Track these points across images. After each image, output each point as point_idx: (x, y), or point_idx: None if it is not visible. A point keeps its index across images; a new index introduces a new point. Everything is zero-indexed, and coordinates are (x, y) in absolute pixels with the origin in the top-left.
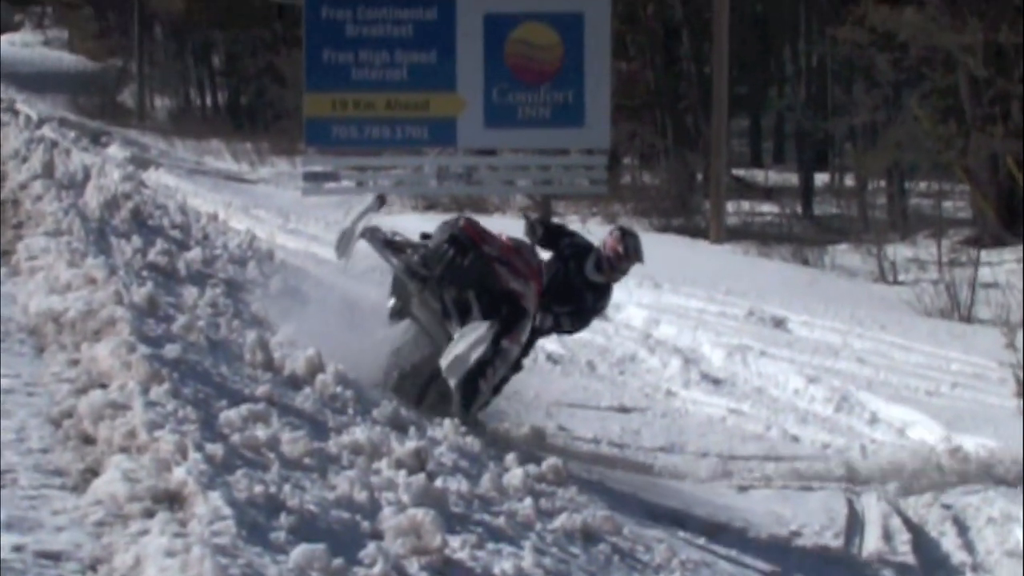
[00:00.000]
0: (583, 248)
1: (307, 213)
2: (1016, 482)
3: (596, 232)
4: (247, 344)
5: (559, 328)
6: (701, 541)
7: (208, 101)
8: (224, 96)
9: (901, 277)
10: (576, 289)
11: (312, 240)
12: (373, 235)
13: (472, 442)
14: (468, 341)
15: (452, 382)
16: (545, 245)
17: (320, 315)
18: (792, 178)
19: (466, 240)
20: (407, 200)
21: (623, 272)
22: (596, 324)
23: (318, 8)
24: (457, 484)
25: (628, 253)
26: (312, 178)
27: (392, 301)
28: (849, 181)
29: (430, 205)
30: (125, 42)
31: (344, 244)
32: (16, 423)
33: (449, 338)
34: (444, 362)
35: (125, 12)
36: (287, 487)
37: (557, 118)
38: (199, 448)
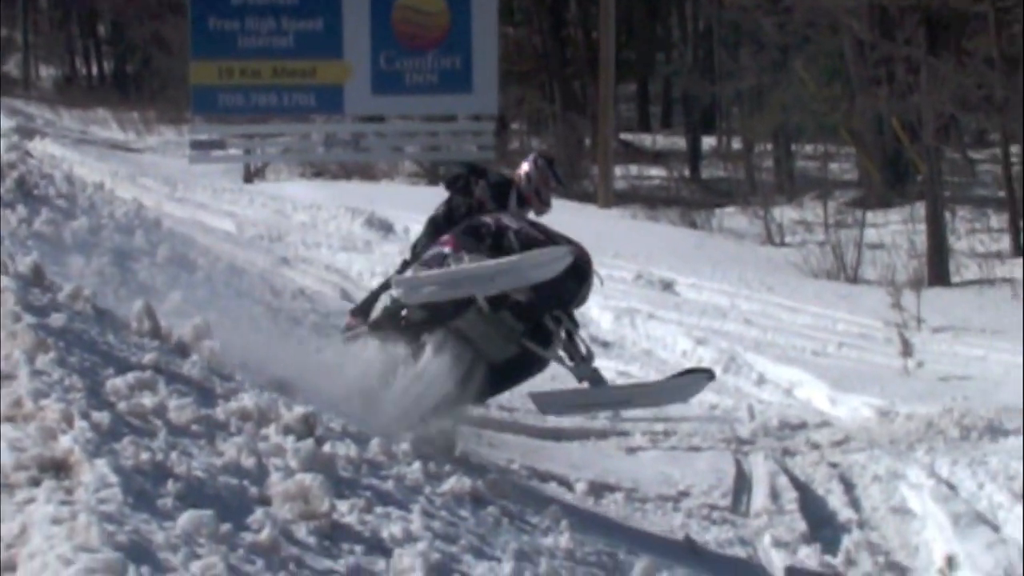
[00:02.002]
0: (502, 187)
1: (194, 182)
2: (901, 440)
3: None
4: (134, 312)
5: None
6: (590, 502)
7: (94, 70)
8: (110, 65)
9: (788, 239)
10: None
11: (199, 208)
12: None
13: (357, 407)
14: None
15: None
16: (465, 194)
17: (207, 283)
18: (680, 142)
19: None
20: (294, 167)
21: (548, 203)
22: None
23: None
24: (346, 449)
25: (548, 180)
26: (199, 146)
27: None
28: (736, 144)
29: (318, 172)
30: (9, 11)
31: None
32: None
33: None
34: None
35: None
36: (174, 454)
37: (444, 84)
38: (85, 416)
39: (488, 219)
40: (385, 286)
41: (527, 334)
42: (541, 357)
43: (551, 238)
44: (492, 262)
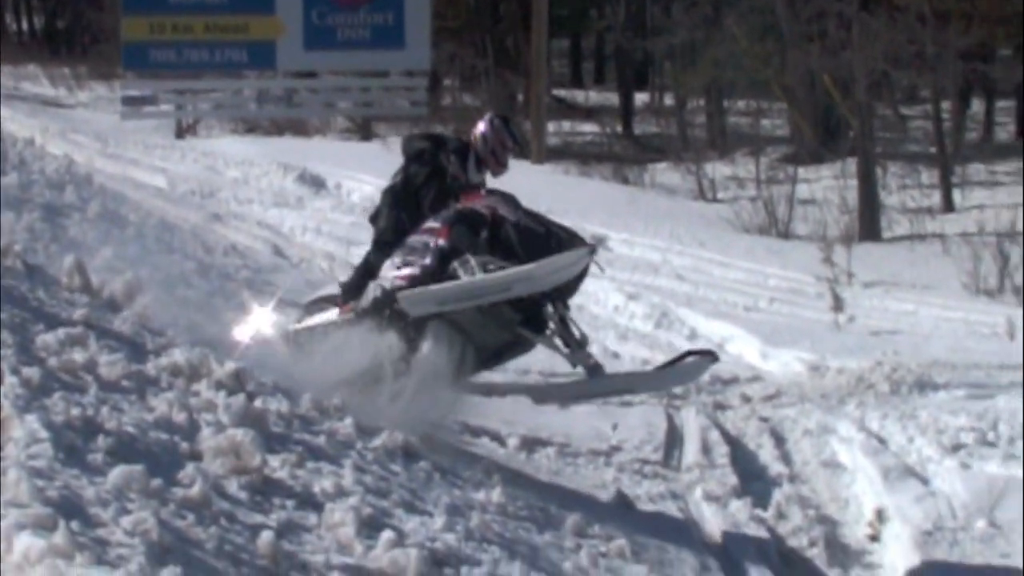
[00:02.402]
0: (461, 152)
1: (126, 138)
2: (832, 394)
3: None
4: (64, 268)
5: None
6: (522, 457)
7: (24, 26)
8: (41, 20)
9: (720, 195)
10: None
11: (131, 164)
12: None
13: (292, 362)
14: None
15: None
16: (423, 163)
17: (139, 239)
18: (612, 98)
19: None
20: (226, 123)
21: (505, 164)
22: None
23: None
24: (277, 404)
25: (505, 140)
26: (131, 102)
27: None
28: (669, 100)
29: (250, 128)
30: None
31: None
32: None
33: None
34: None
35: None
36: (105, 409)
37: (377, 40)
38: (15, 372)
39: (483, 208)
40: (368, 270)
41: (522, 322)
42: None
43: (549, 231)
44: (510, 272)
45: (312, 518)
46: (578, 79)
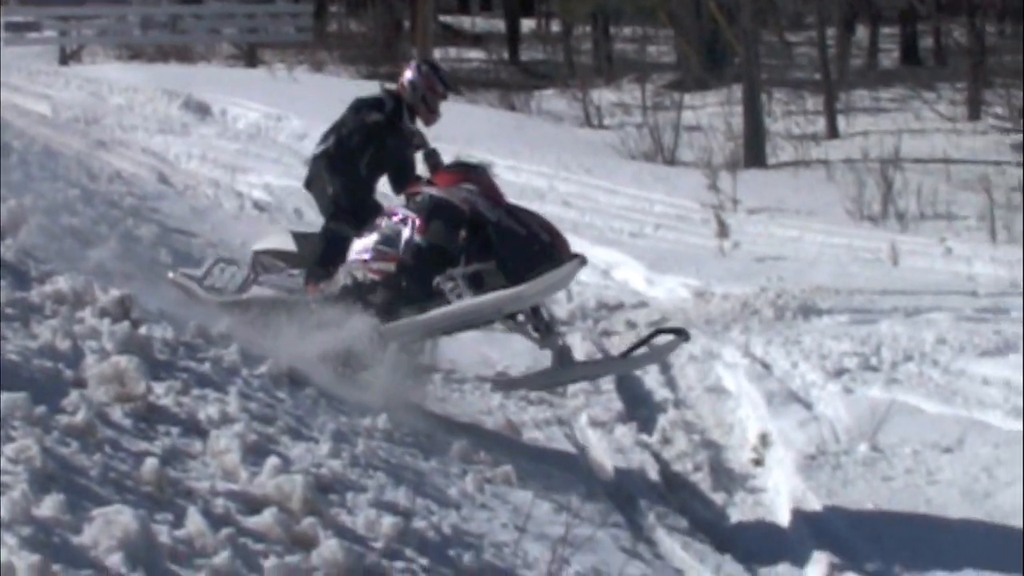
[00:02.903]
0: (393, 107)
1: (9, 64)
2: (717, 320)
3: (304, 81)
4: None
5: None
6: (409, 382)
7: None
8: None
9: (606, 121)
10: (406, 154)
11: (14, 91)
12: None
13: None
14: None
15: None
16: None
17: (22, 166)
18: (499, 24)
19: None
20: (111, 50)
21: (436, 111)
22: (302, 171)
23: None
24: (162, 331)
25: (435, 86)
26: (14, 28)
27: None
28: (555, 27)
29: (134, 55)
30: None
31: None
32: None
33: None
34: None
35: None
36: None
37: None
38: None
39: (461, 203)
40: (333, 244)
41: None
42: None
43: (530, 232)
44: (501, 296)
45: (197, 445)
46: (465, 5)
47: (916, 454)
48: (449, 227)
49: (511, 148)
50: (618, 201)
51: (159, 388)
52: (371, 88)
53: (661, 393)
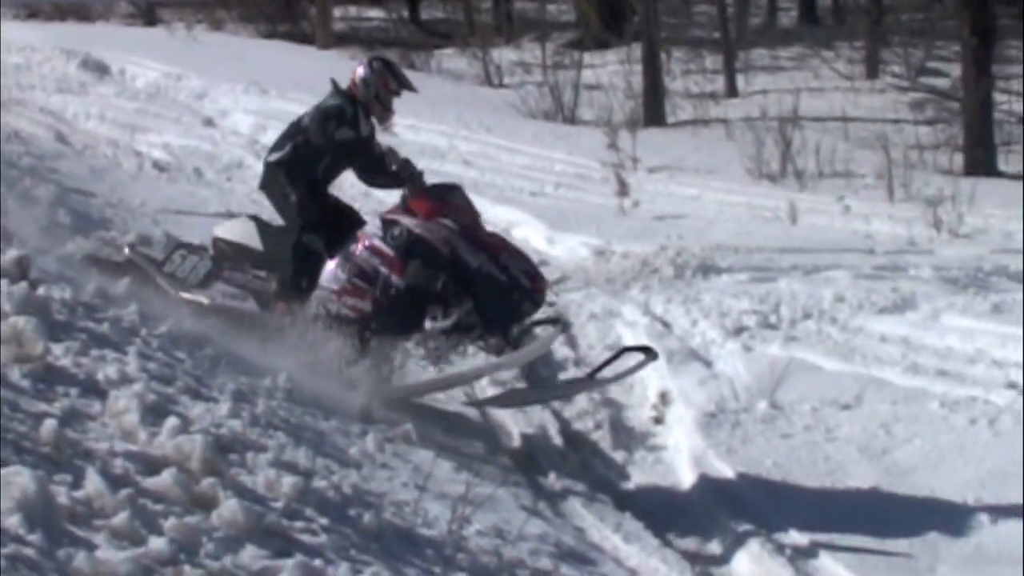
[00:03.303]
0: (353, 113)
1: None
2: (617, 279)
3: (203, 39)
4: None
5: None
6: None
7: None
8: None
9: (507, 80)
10: (371, 150)
11: None
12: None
13: (74, 251)
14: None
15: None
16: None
17: None
18: None
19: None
20: (8, 8)
21: (390, 108)
22: (203, 131)
23: None
24: (60, 292)
25: (388, 83)
26: None
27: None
28: None
29: (32, 13)
30: None
31: None
32: None
33: None
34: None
35: None
36: None
37: None
38: None
39: (442, 245)
40: (306, 259)
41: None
42: None
43: (511, 278)
44: (492, 364)
45: (96, 406)
46: None
47: (815, 411)
48: (427, 267)
49: (411, 107)
50: (518, 160)
51: (57, 349)
52: (272, 49)
53: (561, 352)
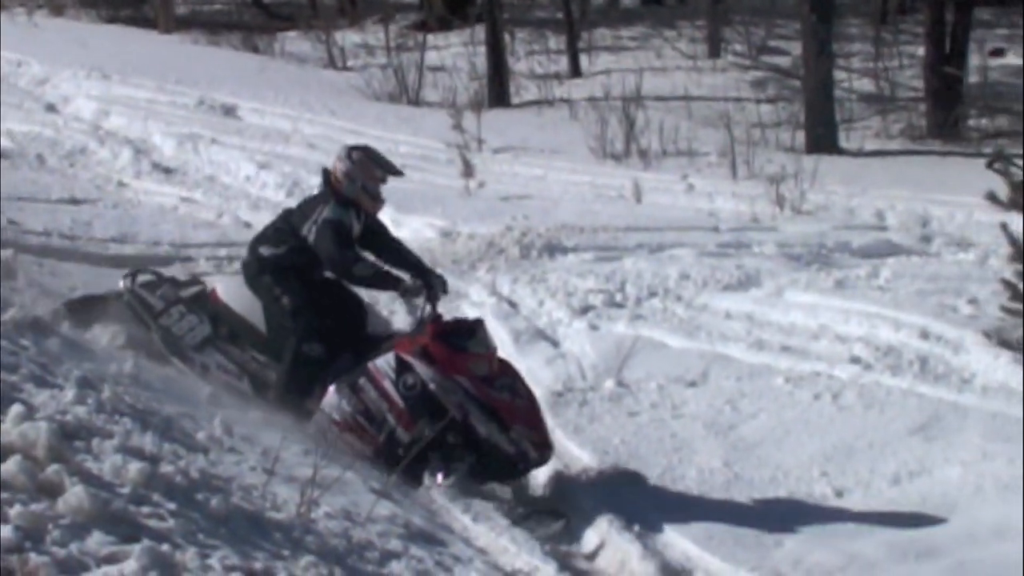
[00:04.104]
0: (347, 224)
1: None
2: (463, 259)
3: (44, 25)
4: None
5: None
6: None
7: None
8: None
9: (350, 63)
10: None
11: None
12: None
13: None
14: None
15: None
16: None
17: None
18: None
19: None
20: None
21: (379, 197)
22: (45, 117)
23: None
24: None
25: (373, 172)
26: None
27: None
28: None
29: None
30: None
31: None
32: None
33: None
34: None
35: None
36: None
37: None
38: None
39: (455, 409)
40: (306, 367)
41: None
42: None
43: (519, 451)
44: None
45: None
46: None
47: (661, 388)
48: (435, 424)
49: (255, 91)
50: (363, 142)
51: None
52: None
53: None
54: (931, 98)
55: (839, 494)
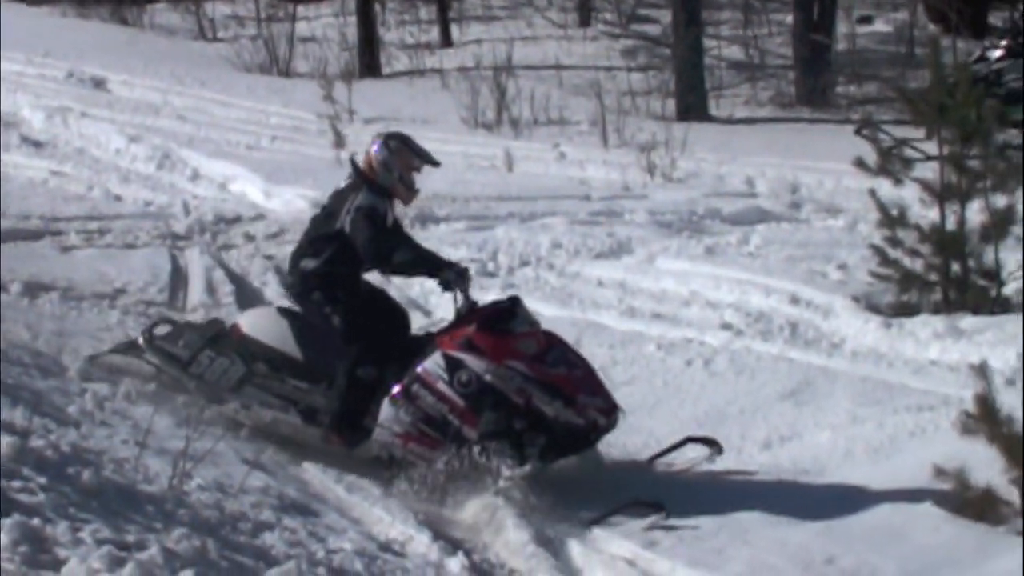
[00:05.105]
0: (382, 210)
1: None
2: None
3: None
4: None
5: None
6: (24, 303)
7: None
8: None
9: (221, 34)
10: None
11: None
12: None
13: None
14: None
15: None
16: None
17: None
18: None
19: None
20: None
21: (413, 187)
22: None
23: None
24: None
25: (412, 162)
26: None
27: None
28: None
29: None
30: None
31: None
32: None
33: None
34: None
35: None
36: None
37: None
38: None
39: (516, 396)
40: (359, 394)
41: None
42: None
43: (589, 421)
44: None
45: None
46: None
47: None
48: (501, 414)
49: (124, 63)
50: (234, 114)
51: None
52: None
53: (281, 304)
54: (800, 65)
55: (710, 459)
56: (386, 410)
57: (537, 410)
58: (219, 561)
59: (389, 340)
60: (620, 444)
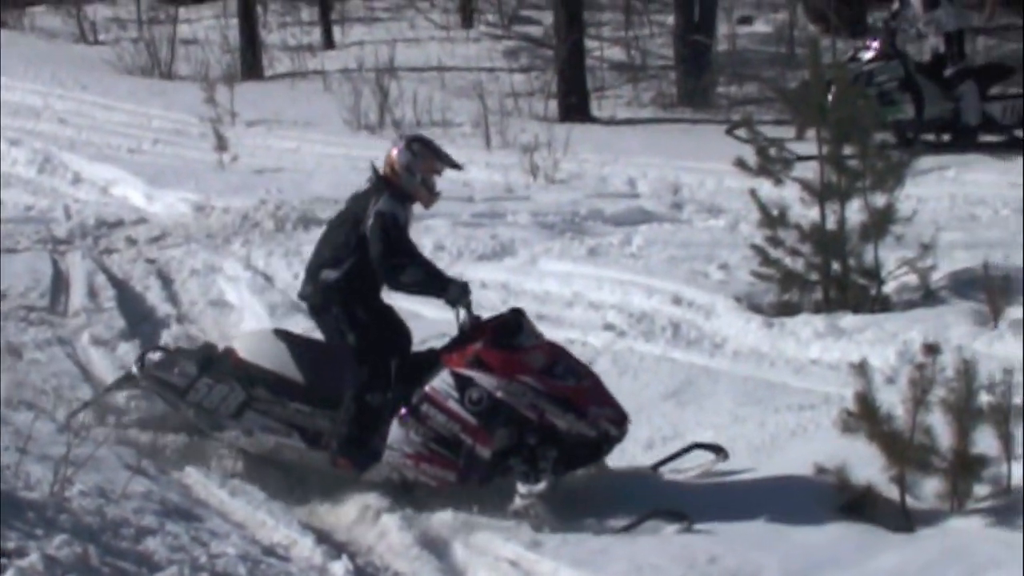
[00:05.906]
0: (403, 218)
1: None
2: (218, 234)
3: None
4: None
5: None
6: None
7: None
8: None
9: (102, 37)
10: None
11: None
12: None
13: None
14: None
15: None
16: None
17: None
18: None
19: None
20: None
21: (434, 190)
22: None
23: None
24: None
25: (435, 166)
26: None
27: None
28: None
29: None
30: None
31: None
32: None
33: None
34: None
35: None
36: None
37: None
38: None
39: (528, 411)
40: (370, 418)
41: None
42: None
43: (601, 432)
44: None
45: None
46: None
47: None
48: (514, 431)
49: (4, 66)
50: (115, 117)
51: None
52: None
53: (164, 309)
54: (681, 66)
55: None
56: (395, 431)
57: (550, 424)
58: (101, 567)
59: (396, 360)
60: None
